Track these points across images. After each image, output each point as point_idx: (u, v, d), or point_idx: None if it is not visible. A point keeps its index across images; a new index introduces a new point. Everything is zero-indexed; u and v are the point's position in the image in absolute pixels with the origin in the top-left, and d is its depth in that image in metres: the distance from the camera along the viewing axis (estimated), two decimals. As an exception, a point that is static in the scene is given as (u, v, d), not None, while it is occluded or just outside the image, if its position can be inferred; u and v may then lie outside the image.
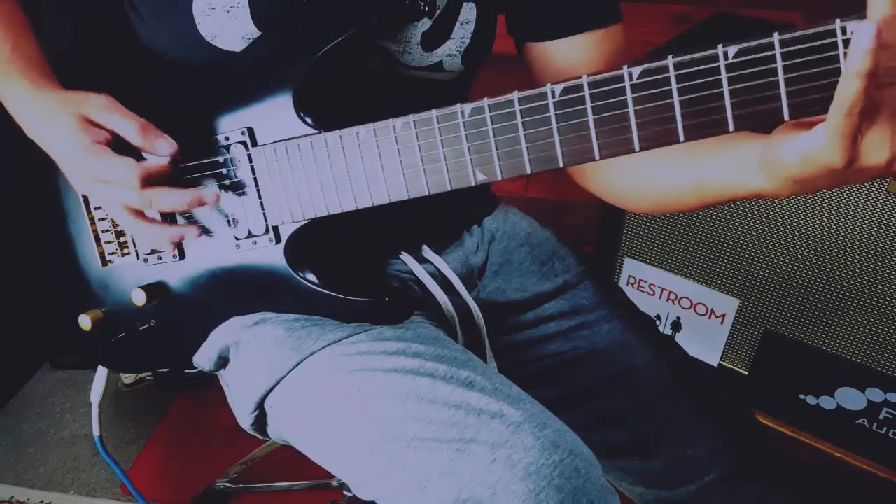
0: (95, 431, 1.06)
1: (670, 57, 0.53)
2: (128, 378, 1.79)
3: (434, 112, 0.63)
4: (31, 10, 0.82)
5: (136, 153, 0.71)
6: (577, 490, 0.60)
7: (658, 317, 1.51)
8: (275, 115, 0.72)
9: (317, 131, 0.70)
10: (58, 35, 0.86)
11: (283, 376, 0.74)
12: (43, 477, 1.59)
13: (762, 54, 0.50)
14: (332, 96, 0.74)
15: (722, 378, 1.45)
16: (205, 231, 0.78)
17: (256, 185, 0.75)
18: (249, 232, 0.76)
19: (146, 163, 0.70)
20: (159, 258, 0.81)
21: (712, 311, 1.42)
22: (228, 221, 0.77)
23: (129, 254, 0.84)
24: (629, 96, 0.55)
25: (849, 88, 0.47)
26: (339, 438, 0.71)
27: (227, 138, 0.75)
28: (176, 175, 0.74)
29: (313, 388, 0.73)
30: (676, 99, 0.54)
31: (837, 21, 0.48)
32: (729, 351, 1.44)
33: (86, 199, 0.85)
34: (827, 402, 1.35)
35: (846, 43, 0.48)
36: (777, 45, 0.50)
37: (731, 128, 0.53)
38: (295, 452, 0.80)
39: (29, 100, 0.73)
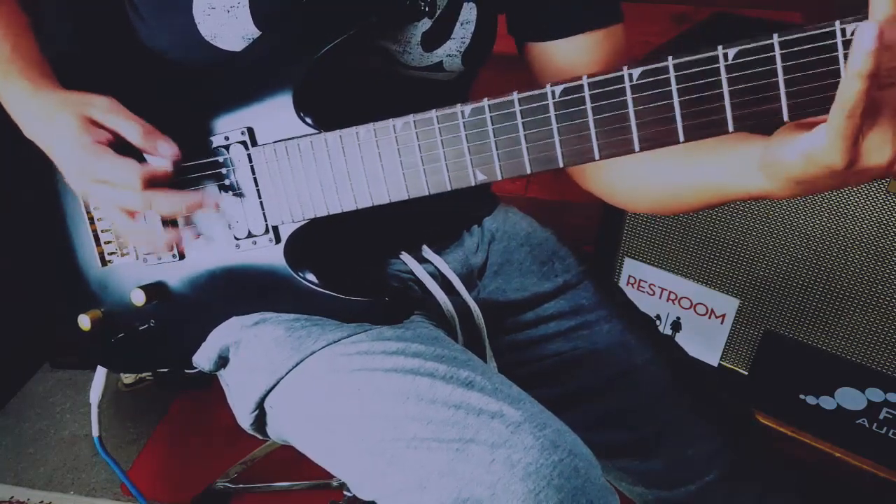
0: (95, 432, 1.06)
1: (670, 58, 0.53)
2: (128, 378, 1.79)
3: (434, 112, 0.63)
4: (30, 9, 0.82)
5: (136, 156, 0.71)
6: (577, 490, 0.60)
7: (658, 317, 1.50)
8: (275, 115, 0.72)
9: (317, 131, 0.70)
10: (58, 35, 0.86)
11: (283, 376, 0.74)
12: (43, 477, 1.59)
13: (762, 55, 0.50)
14: (333, 96, 0.74)
15: (722, 378, 1.45)
16: (203, 232, 0.78)
17: (256, 185, 0.75)
18: (249, 232, 0.76)
19: (148, 165, 0.70)
20: (159, 258, 0.81)
21: (712, 311, 1.42)
22: (228, 222, 0.77)
23: (128, 254, 0.84)
24: (629, 97, 0.55)
25: (850, 90, 0.47)
26: (338, 438, 0.71)
27: (226, 138, 0.75)
28: (176, 178, 0.74)
29: (313, 388, 0.73)
30: (676, 99, 0.54)
31: (837, 22, 0.48)
32: (729, 351, 1.44)
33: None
34: (827, 402, 1.35)
35: (846, 44, 0.48)
36: (777, 46, 0.50)
37: (730, 128, 0.53)
38: (295, 452, 0.80)
39: (29, 99, 0.73)
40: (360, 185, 0.69)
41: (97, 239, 0.86)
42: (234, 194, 0.76)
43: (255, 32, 0.73)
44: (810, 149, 0.52)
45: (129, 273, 0.84)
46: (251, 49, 0.74)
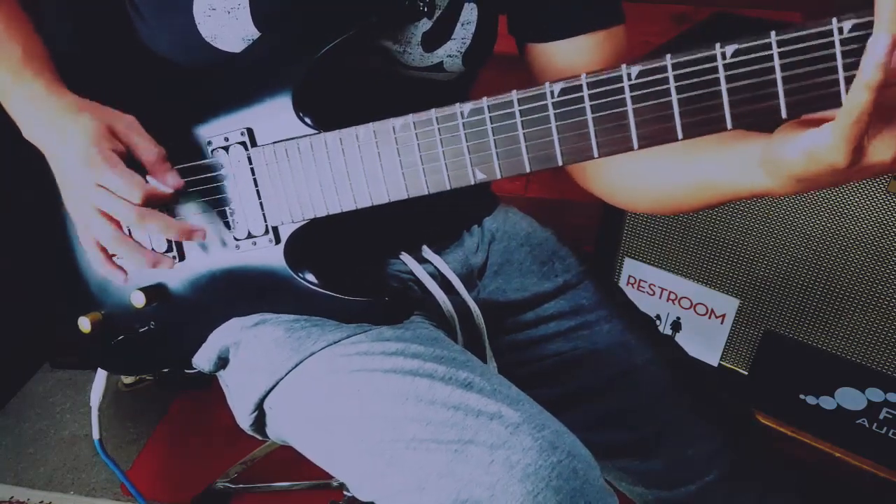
0: (95, 434, 1.06)
1: (668, 56, 0.53)
2: (128, 378, 1.79)
3: (433, 112, 0.63)
4: (31, 10, 0.82)
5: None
6: (576, 491, 0.60)
7: (658, 317, 1.50)
8: (274, 115, 0.72)
9: (316, 132, 0.70)
10: (58, 35, 0.86)
11: (283, 377, 0.74)
12: (43, 477, 1.59)
13: (760, 53, 0.50)
14: (332, 97, 0.74)
15: (722, 378, 1.45)
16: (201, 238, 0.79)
17: (256, 185, 0.74)
18: (249, 233, 0.76)
19: (151, 185, 0.71)
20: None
21: (712, 311, 1.42)
22: (228, 222, 0.77)
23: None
24: (628, 95, 0.55)
25: (859, 98, 0.47)
26: (338, 439, 0.71)
27: (226, 139, 0.75)
28: (171, 202, 0.76)
29: (313, 389, 0.73)
30: (675, 97, 0.54)
31: (834, 19, 0.48)
32: (729, 351, 1.44)
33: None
34: (827, 402, 1.35)
35: (843, 42, 0.48)
36: (774, 43, 0.50)
37: (729, 125, 0.53)
38: (295, 452, 0.80)
39: (45, 97, 0.72)
40: (360, 185, 0.69)
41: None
42: (233, 195, 0.76)
43: (255, 34, 0.73)
44: (813, 147, 0.52)
45: (129, 275, 0.84)
46: (251, 49, 0.73)
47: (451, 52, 0.80)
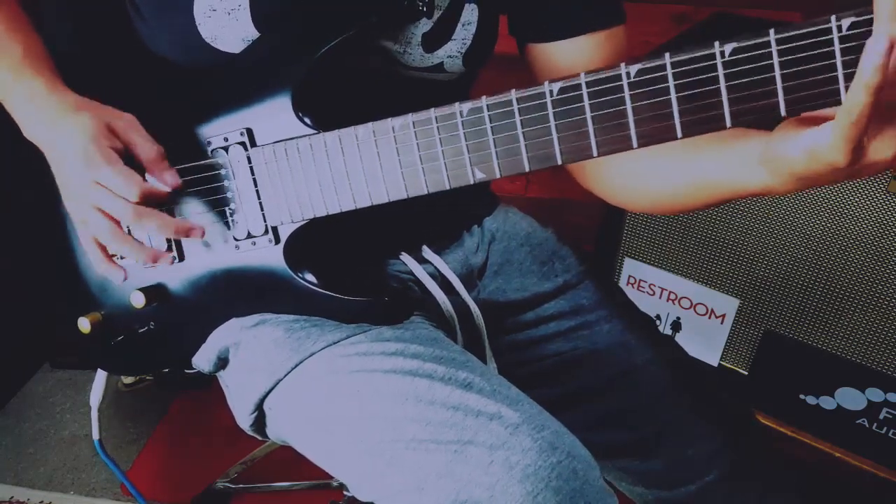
0: (95, 435, 1.06)
1: (667, 55, 0.53)
2: (128, 378, 1.79)
3: (432, 112, 0.63)
4: (31, 9, 0.82)
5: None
6: (575, 492, 0.60)
7: (658, 317, 1.50)
8: (274, 115, 0.72)
9: (316, 132, 0.70)
10: (58, 35, 0.86)
11: (282, 377, 0.74)
12: (43, 477, 1.59)
13: (758, 51, 0.50)
14: (332, 97, 0.74)
15: (722, 378, 1.45)
16: (203, 234, 0.78)
17: (255, 185, 0.74)
18: (248, 233, 0.76)
19: (149, 184, 0.71)
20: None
21: (712, 311, 1.42)
22: (227, 222, 0.77)
23: (124, 259, 0.84)
24: (626, 94, 0.55)
25: (858, 100, 0.47)
26: (337, 439, 0.71)
27: (225, 139, 0.75)
28: (169, 202, 0.76)
29: (312, 390, 0.73)
30: (674, 96, 0.54)
31: (833, 17, 0.48)
32: (729, 351, 1.44)
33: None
34: (827, 402, 1.35)
35: (842, 39, 0.48)
36: (773, 41, 0.50)
37: (728, 124, 0.53)
38: (295, 452, 0.80)
39: (45, 96, 0.72)
40: (359, 185, 0.69)
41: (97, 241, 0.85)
42: (233, 195, 0.76)
43: (255, 34, 0.73)
44: (814, 147, 0.52)
45: (128, 275, 0.84)
46: (251, 50, 0.73)
47: (451, 53, 0.80)
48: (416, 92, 0.81)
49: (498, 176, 0.63)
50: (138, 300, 0.81)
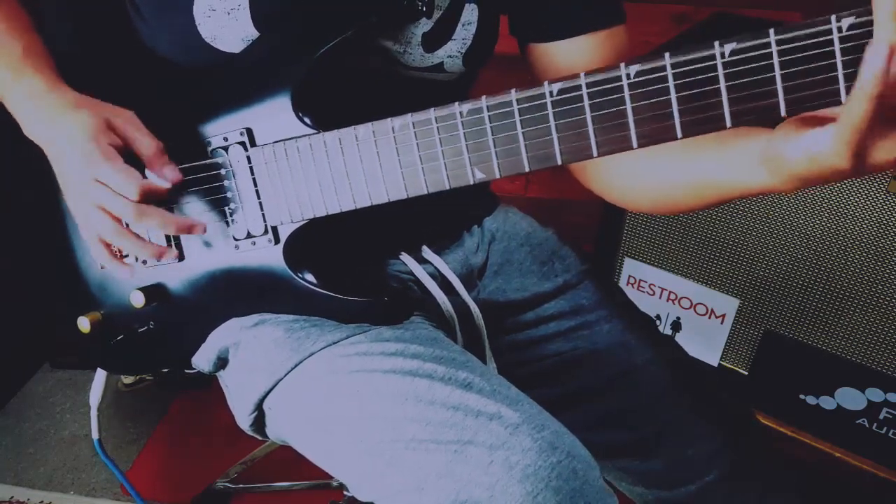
0: (95, 434, 1.06)
1: (667, 55, 0.53)
2: (128, 378, 1.79)
3: (432, 112, 0.63)
4: (31, 9, 0.82)
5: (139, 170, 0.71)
6: (575, 492, 0.59)
7: (658, 317, 1.50)
8: (274, 115, 0.72)
9: (315, 132, 0.70)
10: (58, 35, 0.86)
11: (282, 377, 0.74)
12: (43, 477, 1.59)
13: (758, 51, 0.50)
14: (332, 97, 0.74)
15: (722, 378, 1.45)
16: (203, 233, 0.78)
17: (255, 185, 0.74)
18: (248, 233, 0.76)
19: (148, 181, 0.70)
20: (144, 262, 0.81)
21: (712, 311, 1.42)
22: (227, 222, 0.77)
23: (128, 255, 0.84)
24: (626, 94, 0.55)
25: (859, 108, 0.47)
26: (337, 439, 0.71)
27: (225, 139, 0.75)
28: (170, 200, 0.75)
29: (312, 390, 0.73)
30: (674, 96, 0.54)
31: (833, 17, 0.48)
32: (729, 351, 1.44)
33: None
34: (827, 402, 1.35)
35: (842, 39, 0.48)
36: (773, 42, 0.50)
37: (728, 124, 0.53)
38: (295, 452, 0.80)
39: (43, 94, 0.72)
40: (359, 185, 0.69)
41: (96, 239, 0.85)
42: (232, 195, 0.76)
43: (255, 34, 0.73)
44: (816, 150, 0.52)
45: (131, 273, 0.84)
46: (250, 50, 0.73)
47: (451, 53, 0.80)
48: (416, 92, 0.81)
49: (498, 176, 0.63)
50: (138, 300, 0.81)
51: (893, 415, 1.28)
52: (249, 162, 0.74)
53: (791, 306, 1.32)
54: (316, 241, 0.77)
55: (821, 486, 1.27)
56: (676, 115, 0.54)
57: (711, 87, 0.52)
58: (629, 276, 1.50)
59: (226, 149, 0.75)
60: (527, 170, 0.61)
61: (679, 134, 0.55)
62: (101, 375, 1.04)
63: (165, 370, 1.14)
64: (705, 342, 1.45)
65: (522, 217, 0.99)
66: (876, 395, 1.28)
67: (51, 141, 0.73)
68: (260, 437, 0.84)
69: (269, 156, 0.73)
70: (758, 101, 0.52)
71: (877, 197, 1.17)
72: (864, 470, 1.34)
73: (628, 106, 0.55)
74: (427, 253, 0.89)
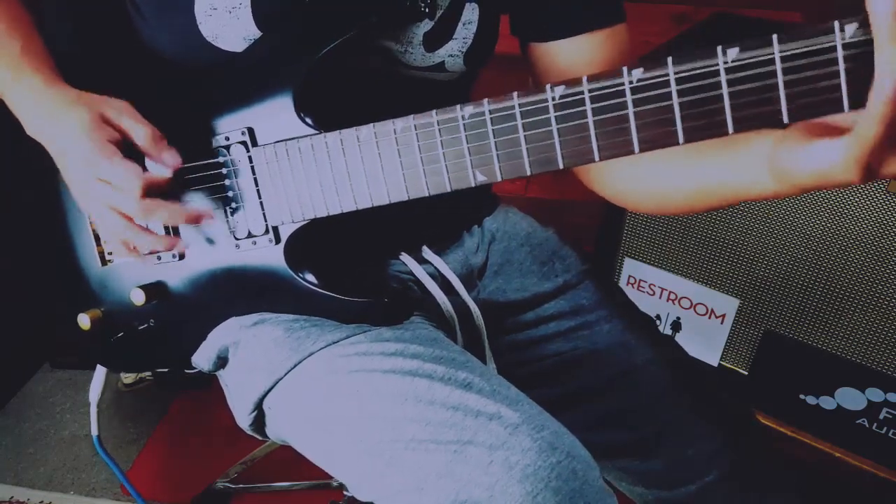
0: (94, 431, 1.06)
1: (670, 61, 0.53)
2: (128, 378, 1.79)
3: (434, 114, 0.63)
4: (32, 8, 0.82)
5: (138, 162, 0.71)
6: (575, 492, 0.60)
7: (658, 317, 1.50)
8: (275, 115, 0.72)
9: (317, 132, 0.70)
10: (58, 35, 0.86)
11: (282, 377, 0.74)
12: (43, 477, 1.59)
13: (762, 58, 0.50)
14: (333, 97, 0.74)
15: (722, 378, 1.45)
16: (201, 234, 0.78)
17: (256, 185, 0.75)
18: (249, 232, 0.76)
19: (149, 174, 0.70)
20: (158, 258, 0.81)
21: (712, 311, 1.42)
22: (228, 221, 0.77)
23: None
24: (629, 98, 0.55)
25: (870, 131, 0.47)
26: (337, 439, 0.71)
27: (227, 138, 0.75)
28: (176, 180, 0.74)
29: (312, 389, 0.73)
30: (676, 101, 0.54)
31: (836, 23, 0.48)
32: (729, 351, 1.44)
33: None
34: (827, 402, 1.35)
35: (845, 46, 0.48)
36: (776, 48, 0.50)
37: (730, 130, 0.53)
38: (295, 452, 0.80)
39: (41, 93, 0.72)
40: (360, 186, 0.69)
41: (97, 238, 0.86)
42: (234, 194, 0.76)
43: (257, 33, 0.73)
44: (824, 166, 0.52)
45: (128, 273, 0.84)
46: (252, 49, 0.73)
47: (452, 52, 0.80)
48: (417, 91, 0.81)
49: (499, 179, 0.63)
50: (138, 297, 0.81)
51: (893, 415, 1.28)
52: (251, 162, 0.74)
53: (791, 306, 1.32)
54: (317, 241, 0.77)
55: (821, 486, 1.28)
56: (679, 121, 0.54)
57: (714, 94, 0.52)
58: (629, 276, 1.50)
59: (227, 148, 0.75)
60: (528, 173, 0.61)
61: (681, 140, 0.55)
62: (100, 371, 1.04)
63: (165, 369, 1.14)
64: (705, 342, 1.45)
65: (522, 217, 0.99)
66: (876, 395, 1.29)
67: (52, 139, 0.73)
68: (260, 437, 0.85)
69: (270, 156, 0.73)
70: (760, 108, 0.51)
71: (877, 197, 1.17)
72: (864, 470, 1.34)
73: (630, 111, 0.55)
74: (427, 253, 0.89)
